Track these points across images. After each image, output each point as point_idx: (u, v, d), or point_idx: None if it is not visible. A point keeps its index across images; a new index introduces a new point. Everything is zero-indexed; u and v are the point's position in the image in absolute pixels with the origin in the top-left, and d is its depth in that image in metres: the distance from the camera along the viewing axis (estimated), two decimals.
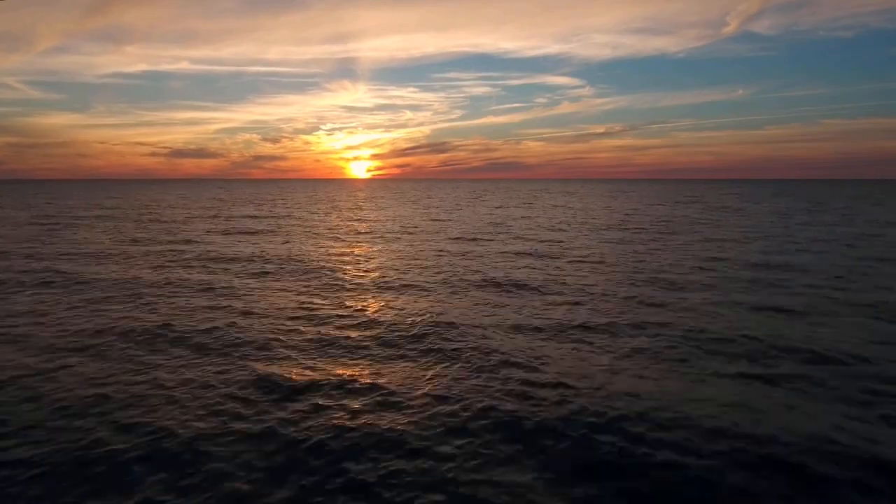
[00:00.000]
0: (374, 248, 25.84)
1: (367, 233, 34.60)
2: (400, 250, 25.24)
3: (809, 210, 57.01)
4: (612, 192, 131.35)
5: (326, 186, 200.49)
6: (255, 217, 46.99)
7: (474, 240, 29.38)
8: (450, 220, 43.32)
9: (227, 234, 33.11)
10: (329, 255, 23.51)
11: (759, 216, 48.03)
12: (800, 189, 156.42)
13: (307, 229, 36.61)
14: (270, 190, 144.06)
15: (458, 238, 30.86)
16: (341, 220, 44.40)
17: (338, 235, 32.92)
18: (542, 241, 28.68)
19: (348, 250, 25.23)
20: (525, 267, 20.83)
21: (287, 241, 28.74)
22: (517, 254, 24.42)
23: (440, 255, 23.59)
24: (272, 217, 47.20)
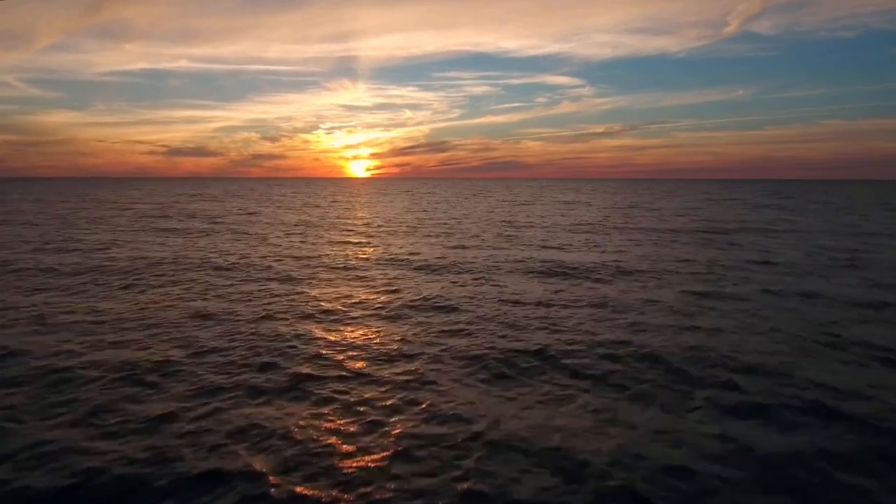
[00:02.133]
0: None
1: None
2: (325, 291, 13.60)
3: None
4: (621, 190, 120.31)
5: (321, 185, 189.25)
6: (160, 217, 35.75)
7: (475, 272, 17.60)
8: (449, 225, 32.10)
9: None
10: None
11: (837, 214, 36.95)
12: (808, 189, 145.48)
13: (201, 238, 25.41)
14: (254, 187, 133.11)
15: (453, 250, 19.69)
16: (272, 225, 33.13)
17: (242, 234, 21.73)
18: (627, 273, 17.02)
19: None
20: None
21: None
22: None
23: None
24: (184, 217, 35.88)
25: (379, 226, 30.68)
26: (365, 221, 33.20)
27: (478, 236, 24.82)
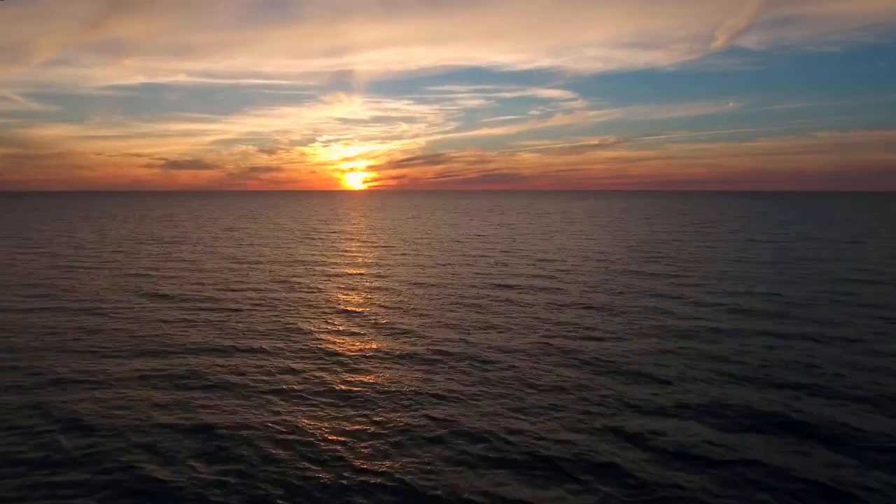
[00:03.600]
0: None
1: None
2: None
3: None
4: (633, 204, 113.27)
5: (314, 199, 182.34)
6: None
7: None
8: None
9: None
10: None
11: None
12: (829, 205, 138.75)
13: None
14: (240, 203, 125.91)
15: None
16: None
17: None
18: None
19: None
20: None
21: None
22: None
23: None
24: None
25: (333, 266, 23.28)
26: (323, 263, 25.64)
27: (501, 327, 17.36)
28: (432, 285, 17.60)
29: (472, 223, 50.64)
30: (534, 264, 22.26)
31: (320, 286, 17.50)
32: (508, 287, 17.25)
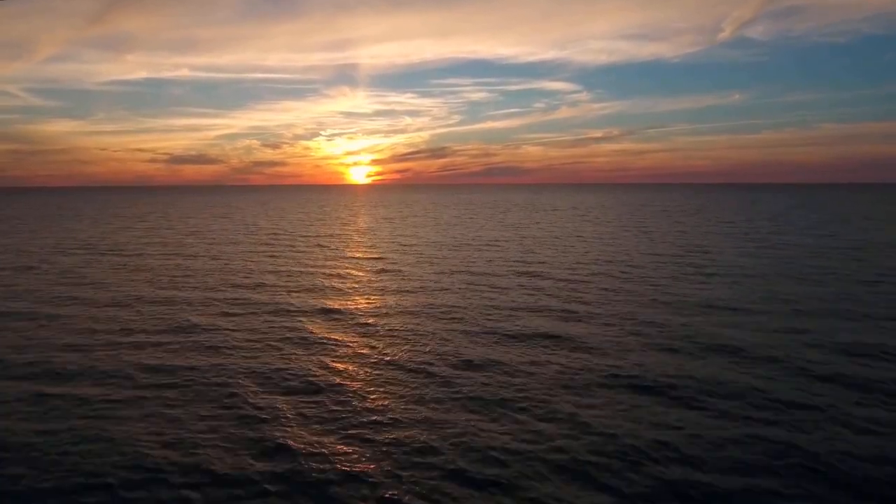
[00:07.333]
0: None
1: None
2: None
3: None
4: (649, 198, 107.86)
5: (313, 194, 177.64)
6: None
7: None
8: None
9: None
10: None
11: None
12: (824, 195, 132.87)
13: None
14: (231, 200, 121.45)
15: None
16: None
17: None
18: None
19: None
20: None
21: None
22: None
23: None
24: None
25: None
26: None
27: None
28: (415, 343, 12.32)
29: (475, 223, 45.35)
30: (561, 283, 17.04)
31: (244, 337, 12.26)
32: (526, 337, 11.94)
